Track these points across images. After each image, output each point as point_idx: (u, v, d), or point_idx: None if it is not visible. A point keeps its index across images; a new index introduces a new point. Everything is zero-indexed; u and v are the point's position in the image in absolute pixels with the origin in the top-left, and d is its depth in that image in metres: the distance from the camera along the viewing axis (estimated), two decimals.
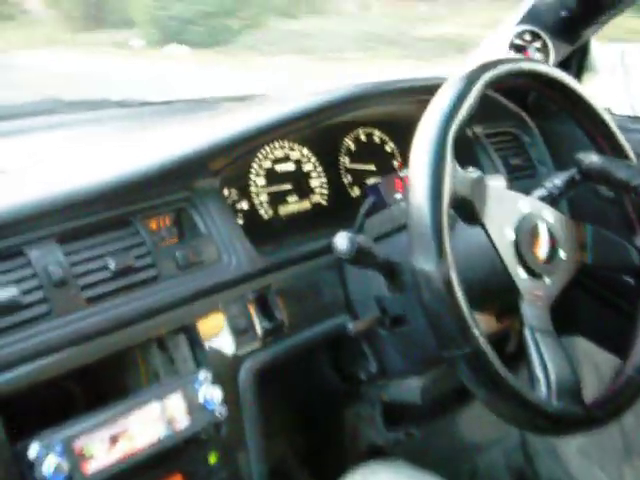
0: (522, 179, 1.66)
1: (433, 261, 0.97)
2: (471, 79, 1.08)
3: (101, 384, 1.14)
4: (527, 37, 1.75)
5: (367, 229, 1.35)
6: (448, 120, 1.03)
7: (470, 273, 1.04)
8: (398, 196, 1.40)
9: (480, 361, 0.98)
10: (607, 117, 1.25)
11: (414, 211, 1.00)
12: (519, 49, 1.75)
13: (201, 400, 1.10)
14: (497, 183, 1.16)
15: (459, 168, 1.03)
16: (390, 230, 1.29)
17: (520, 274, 1.09)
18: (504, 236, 1.09)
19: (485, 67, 1.11)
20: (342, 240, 1.16)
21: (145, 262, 1.14)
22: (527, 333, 1.06)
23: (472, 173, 1.07)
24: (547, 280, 1.11)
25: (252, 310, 1.23)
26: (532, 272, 1.10)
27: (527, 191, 1.22)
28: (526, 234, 1.11)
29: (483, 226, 1.07)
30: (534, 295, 1.09)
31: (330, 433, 1.65)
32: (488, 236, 1.08)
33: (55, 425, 0.99)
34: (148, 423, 1.05)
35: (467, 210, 1.07)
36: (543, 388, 1.02)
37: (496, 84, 1.12)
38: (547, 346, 1.04)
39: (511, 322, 1.27)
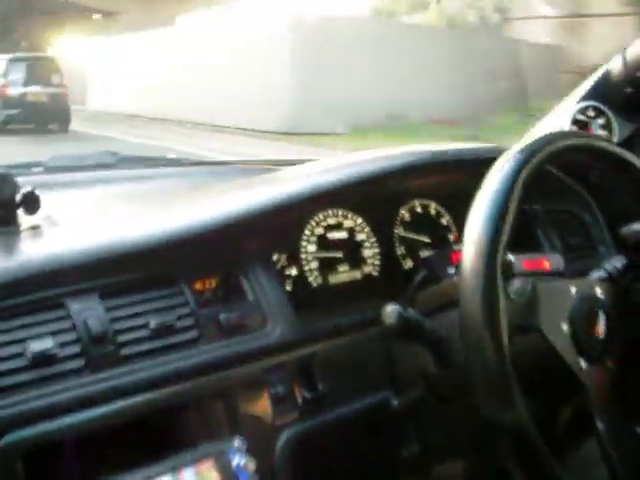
0: (581, 259, 1.61)
1: (503, 410, 0.96)
2: (530, 153, 1.05)
3: (132, 444, 1.10)
4: (590, 113, 1.72)
5: (418, 303, 1.31)
6: (499, 219, 1.00)
7: (526, 362, 1.00)
8: (451, 270, 1.36)
9: (526, 445, 0.95)
10: None
11: (472, 344, 0.99)
12: (582, 125, 1.72)
13: (234, 469, 1.06)
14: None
15: (510, 294, 1.01)
16: (441, 305, 1.25)
17: (581, 364, 1.05)
18: (560, 331, 1.05)
19: (545, 141, 1.08)
20: (391, 313, 1.13)
21: (187, 323, 1.12)
22: (599, 426, 1.03)
23: (523, 287, 1.04)
24: (609, 364, 1.07)
25: (293, 379, 1.19)
26: (592, 359, 1.06)
27: (585, 271, 1.18)
28: (581, 320, 1.07)
29: (540, 332, 1.04)
30: (597, 384, 1.05)
31: None
32: (545, 338, 1.04)
33: None
34: None
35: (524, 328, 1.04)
36: None
37: (555, 160, 1.09)
38: (617, 440, 1.01)
39: (563, 408, 1.22)
